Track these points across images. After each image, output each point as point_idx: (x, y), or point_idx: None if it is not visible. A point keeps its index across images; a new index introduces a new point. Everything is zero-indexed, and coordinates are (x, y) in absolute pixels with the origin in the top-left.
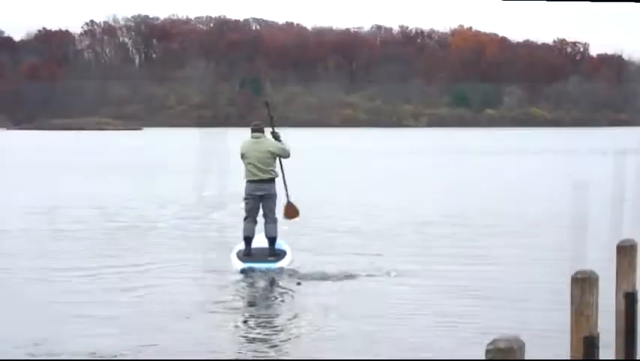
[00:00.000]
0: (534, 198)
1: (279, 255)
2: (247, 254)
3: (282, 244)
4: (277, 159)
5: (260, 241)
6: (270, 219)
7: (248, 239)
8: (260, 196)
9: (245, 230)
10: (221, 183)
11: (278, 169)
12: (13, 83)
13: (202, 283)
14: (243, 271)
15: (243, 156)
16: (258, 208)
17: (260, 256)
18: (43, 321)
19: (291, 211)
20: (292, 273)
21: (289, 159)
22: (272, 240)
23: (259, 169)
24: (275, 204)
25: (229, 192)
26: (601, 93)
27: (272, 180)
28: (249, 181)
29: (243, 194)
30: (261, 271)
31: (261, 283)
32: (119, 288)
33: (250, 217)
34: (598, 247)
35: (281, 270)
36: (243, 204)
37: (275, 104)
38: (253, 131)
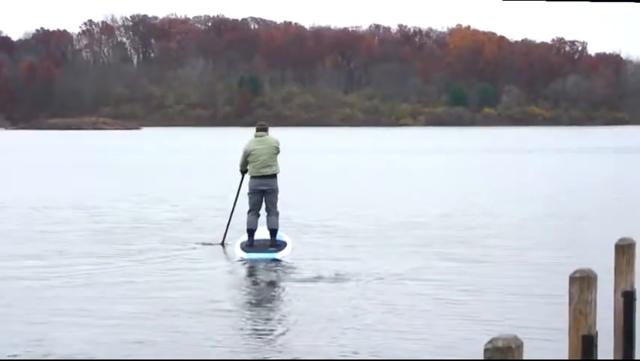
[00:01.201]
0: (532, 196)
1: (279, 246)
2: (250, 245)
3: (283, 235)
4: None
5: (261, 233)
6: (273, 213)
7: (251, 231)
8: (263, 191)
9: (248, 223)
10: (217, 181)
11: (280, 166)
12: (11, 83)
13: (201, 281)
14: (245, 261)
15: (248, 154)
16: (262, 202)
17: (262, 246)
18: (40, 320)
19: None
20: (290, 272)
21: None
22: (273, 232)
23: (264, 165)
24: (277, 198)
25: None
26: (599, 92)
27: (274, 176)
28: (253, 177)
29: (247, 189)
30: (262, 260)
31: (260, 282)
32: (111, 288)
33: (253, 211)
34: (596, 246)
35: (281, 260)
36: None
37: (273, 103)
38: (258, 130)
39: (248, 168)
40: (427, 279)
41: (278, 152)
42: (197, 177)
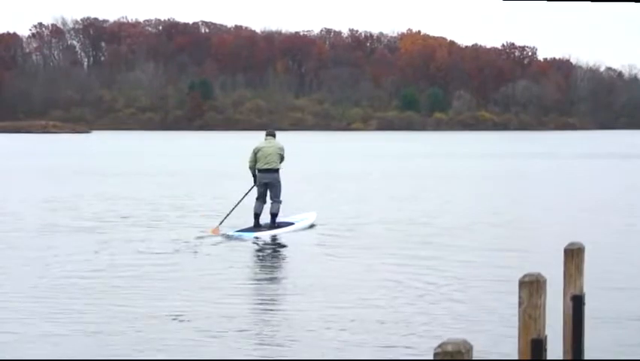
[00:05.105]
0: (481, 201)
1: (279, 226)
2: (256, 226)
3: (309, 216)
4: (281, 157)
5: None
6: (275, 201)
7: (256, 215)
8: (266, 183)
9: (255, 208)
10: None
11: (283, 163)
12: None
13: (150, 288)
14: (228, 238)
15: (257, 151)
16: (266, 193)
17: (262, 227)
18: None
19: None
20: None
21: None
22: (273, 215)
23: (268, 161)
24: (279, 190)
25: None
26: (549, 97)
27: (277, 171)
28: (259, 170)
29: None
30: (241, 239)
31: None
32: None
33: (260, 199)
34: (545, 250)
35: (257, 239)
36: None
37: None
38: (267, 135)
39: (256, 164)
40: (375, 284)
41: (282, 152)
42: (129, 182)
